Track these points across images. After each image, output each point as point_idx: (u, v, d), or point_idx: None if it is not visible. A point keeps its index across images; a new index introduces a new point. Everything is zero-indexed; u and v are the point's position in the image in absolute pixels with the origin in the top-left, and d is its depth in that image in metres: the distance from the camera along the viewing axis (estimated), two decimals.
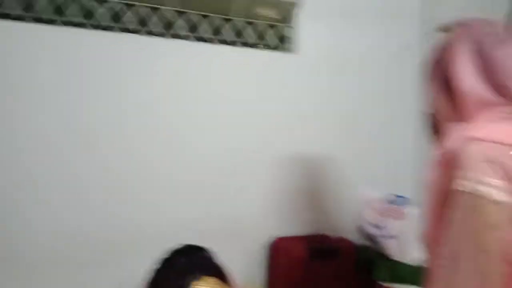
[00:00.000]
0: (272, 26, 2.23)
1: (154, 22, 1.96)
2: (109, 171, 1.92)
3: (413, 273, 2.17)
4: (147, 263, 1.89)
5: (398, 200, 2.16)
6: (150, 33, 1.95)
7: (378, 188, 2.27)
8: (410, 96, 2.51)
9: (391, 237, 2.13)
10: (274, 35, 2.24)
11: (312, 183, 2.35)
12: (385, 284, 2.14)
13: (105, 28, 1.87)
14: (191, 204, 2.03)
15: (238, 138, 2.18)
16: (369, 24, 2.45)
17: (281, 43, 2.27)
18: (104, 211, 1.91)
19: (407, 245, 2.09)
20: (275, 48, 2.25)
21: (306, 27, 2.29)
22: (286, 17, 2.26)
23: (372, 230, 2.20)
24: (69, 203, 1.86)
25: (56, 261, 1.84)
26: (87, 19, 1.84)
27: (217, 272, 1.00)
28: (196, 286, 0.93)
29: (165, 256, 1.06)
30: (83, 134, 1.88)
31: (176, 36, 2.00)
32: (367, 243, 2.33)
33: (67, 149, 1.85)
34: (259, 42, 2.20)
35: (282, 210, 2.28)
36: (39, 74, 1.79)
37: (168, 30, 1.99)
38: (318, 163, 2.36)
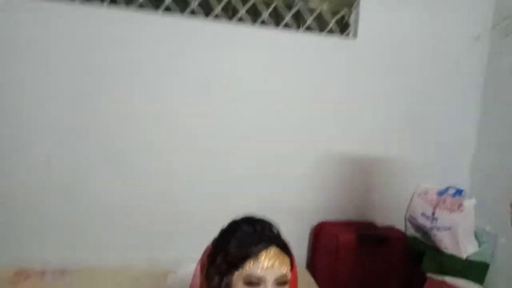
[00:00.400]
0: (334, 13, 2.21)
1: (218, 7, 2.02)
2: (166, 165, 2.03)
3: (465, 267, 2.14)
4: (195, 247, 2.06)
5: (455, 193, 2.11)
6: (215, 16, 2.02)
7: (434, 180, 2.23)
8: (475, 89, 2.41)
9: (444, 229, 2.10)
10: (336, 21, 2.21)
11: (365, 171, 2.35)
12: (434, 276, 2.13)
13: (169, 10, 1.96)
14: (244, 193, 2.09)
15: (294, 128, 2.19)
16: (438, 11, 2.31)
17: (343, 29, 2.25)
18: (154, 195, 2.03)
19: (460, 239, 2.05)
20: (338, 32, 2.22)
21: (370, 13, 2.22)
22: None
23: (424, 222, 2.17)
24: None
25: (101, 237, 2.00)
26: None
27: (283, 245, 0.94)
28: (262, 257, 0.87)
29: (228, 224, 0.99)
30: (133, 112, 1.98)
31: (239, 21, 2.05)
32: (417, 234, 2.31)
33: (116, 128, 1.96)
34: (321, 27, 2.19)
35: (330, 196, 2.30)
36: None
37: (231, 16, 2.05)
38: (373, 152, 2.34)
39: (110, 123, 1.94)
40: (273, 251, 0.89)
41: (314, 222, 2.26)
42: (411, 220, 2.29)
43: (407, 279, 2.15)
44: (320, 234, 2.18)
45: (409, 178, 2.30)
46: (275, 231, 0.94)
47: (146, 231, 2.03)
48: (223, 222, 1.00)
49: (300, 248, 2.25)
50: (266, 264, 0.87)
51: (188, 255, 1.98)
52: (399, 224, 2.29)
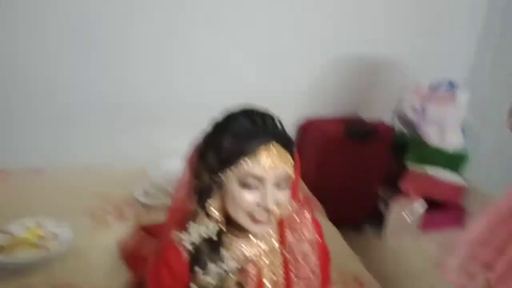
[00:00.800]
0: None
1: None
2: (152, 41, 1.87)
3: (447, 159, 2.18)
4: (183, 130, 1.96)
5: (448, 86, 2.03)
6: None
7: (427, 72, 2.13)
8: None
9: (432, 122, 2.07)
10: None
11: (352, 63, 2.20)
12: (416, 167, 2.17)
13: None
14: (230, 79, 1.98)
15: (287, 25, 2.03)
16: None
17: None
18: (140, 77, 1.89)
19: (448, 132, 2.04)
20: None
21: None
22: None
23: (413, 115, 2.13)
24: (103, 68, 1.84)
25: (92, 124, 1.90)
26: None
27: (287, 142, 0.78)
28: (262, 154, 0.73)
29: (222, 116, 0.81)
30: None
31: None
32: (404, 128, 2.29)
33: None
34: None
35: (317, 90, 2.19)
36: None
37: None
38: (361, 43, 2.17)
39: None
40: (274, 147, 0.74)
41: (301, 118, 2.17)
42: (399, 114, 2.24)
43: (391, 172, 2.18)
44: (308, 130, 2.11)
45: (401, 76, 2.20)
46: (278, 125, 0.79)
47: (126, 124, 1.93)
48: (210, 114, 0.95)
49: None
50: (266, 162, 0.73)
51: (172, 148, 1.92)
52: (388, 118, 2.24)
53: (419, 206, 2.12)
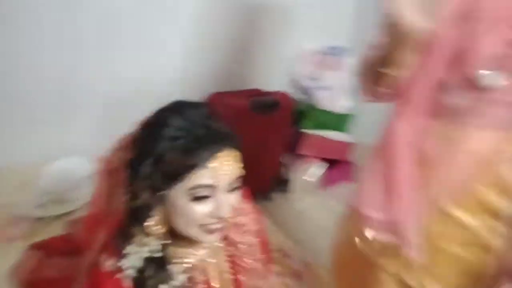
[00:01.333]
0: None
1: None
2: None
3: (338, 120, 2.36)
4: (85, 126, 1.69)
5: (336, 51, 2.15)
6: None
7: (316, 39, 2.20)
8: None
9: (325, 88, 2.20)
10: None
11: (245, 35, 2.16)
12: (310, 132, 2.30)
13: None
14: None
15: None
16: None
17: None
18: None
19: (338, 95, 2.19)
20: None
21: None
22: None
23: (308, 83, 2.22)
24: None
25: None
26: None
27: (235, 141, 0.71)
28: (213, 163, 0.65)
29: (154, 116, 0.70)
30: None
31: None
32: (301, 95, 2.38)
33: None
34: None
35: (216, 65, 2.10)
36: None
37: None
38: (252, 13, 2.13)
39: None
40: (225, 151, 0.67)
41: (205, 94, 2.06)
42: (295, 83, 2.32)
43: (292, 139, 2.26)
44: (212, 105, 2.02)
45: (293, 40, 2.23)
46: (222, 124, 0.71)
47: None
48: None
49: None
50: (219, 170, 0.66)
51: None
52: (286, 88, 2.29)
53: (318, 167, 2.26)
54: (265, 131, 2.02)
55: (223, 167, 0.66)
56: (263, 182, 2.14)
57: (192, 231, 0.69)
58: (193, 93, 1.92)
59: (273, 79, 2.26)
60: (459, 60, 0.74)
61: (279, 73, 2.28)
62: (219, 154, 0.66)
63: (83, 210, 1.40)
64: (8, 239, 1.23)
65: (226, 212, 0.68)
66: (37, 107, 1.62)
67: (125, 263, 0.68)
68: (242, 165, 0.72)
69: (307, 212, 2.21)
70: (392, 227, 0.84)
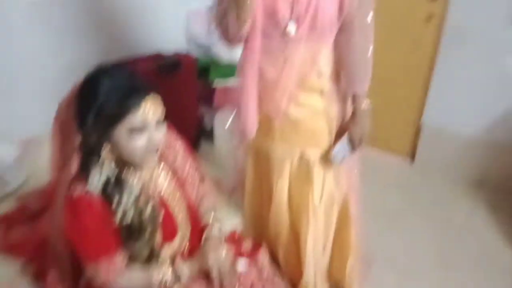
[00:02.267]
0: None
1: None
2: None
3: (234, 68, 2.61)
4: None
5: None
6: None
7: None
8: None
9: (219, 41, 2.42)
10: None
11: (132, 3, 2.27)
12: (220, 83, 2.53)
13: None
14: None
15: None
16: None
17: None
18: None
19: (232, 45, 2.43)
20: None
21: None
22: None
23: (203, 39, 2.43)
24: None
25: None
26: None
27: (152, 88, 0.91)
28: (142, 107, 0.86)
29: (88, 79, 0.88)
30: None
31: None
32: (200, 52, 2.58)
33: None
34: None
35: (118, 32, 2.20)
36: None
37: None
38: None
39: None
40: (150, 97, 0.89)
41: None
42: (192, 41, 2.51)
43: (204, 92, 2.49)
44: None
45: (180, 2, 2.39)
46: (141, 78, 0.92)
47: None
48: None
49: None
50: (147, 111, 0.87)
51: None
52: (180, 48, 2.47)
53: (231, 112, 2.53)
54: (176, 90, 2.20)
55: (150, 109, 0.88)
56: (187, 136, 2.34)
57: (136, 159, 0.91)
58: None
59: (169, 41, 2.43)
60: (271, 16, 1.10)
61: (174, 35, 2.45)
62: (145, 99, 0.88)
63: (22, 189, 1.51)
64: None
65: (157, 143, 0.91)
66: None
67: (91, 184, 0.87)
68: (162, 105, 0.94)
69: (232, 153, 2.49)
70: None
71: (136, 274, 0.94)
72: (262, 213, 1.41)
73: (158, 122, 0.91)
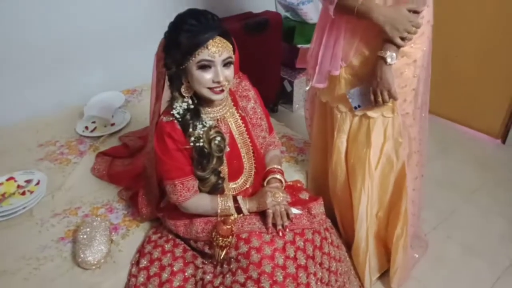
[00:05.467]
0: None
1: None
2: None
3: None
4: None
5: None
6: None
7: None
8: None
9: (308, 2, 2.43)
10: None
11: None
12: (304, 46, 2.56)
13: None
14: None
15: None
16: None
17: None
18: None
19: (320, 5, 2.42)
20: None
21: None
22: None
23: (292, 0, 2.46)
24: None
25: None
26: None
27: (225, 33, 1.02)
28: (210, 44, 0.98)
29: (175, 19, 1.03)
30: None
31: None
32: (287, 13, 2.62)
33: None
34: None
35: None
36: None
37: None
38: None
39: None
40: (218, 38, 1.00)
41: None
42: (281, 1, 2.55)
43: (287, 54, 2.55)
44: None
45: None
46: (217, 21, 1.03)
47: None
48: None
49: None
50: (213, 50, 0.98)
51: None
52: (271, 7, 2.53)
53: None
54: (260, 50, 2.29)
55: (217, 48, 0.99)
56: (267, 97, 2.45)
57: (204, 91, 1.03)
58: None
59: (260, 1, 2.50)
60: None
61: None
62: (215, 39, 0.99)
63: (124, 130, 1.78)
64: (81, 153, 1.64)
65: (221, 78, 1.01)
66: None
67: (174, 113, 1.05)
68: (232, 51, 1.04)
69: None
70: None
71: (204, 200, 1.11)
72: (324, 168, 1.48)
73: (225, 62, 1.02)
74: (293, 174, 1.53)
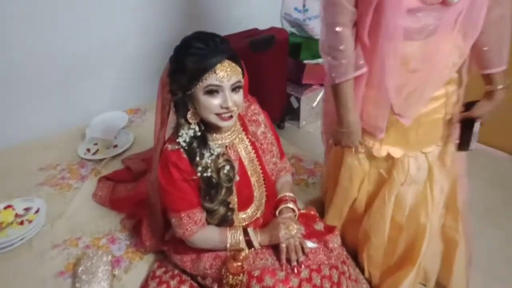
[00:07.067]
0: None
1: None
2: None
3: None
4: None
5: None
6: None
7: None
8: None
9: (315, 17, 2.39)
10: None
11: None
12: (311, 62, 2.52)
13: None
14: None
15: None
16: None
17: None
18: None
19: None
20: None
21: None
22: None
23: (297, 15, 2.42)
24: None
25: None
26: None
27: (234, 56, 0.96)
28: (218, 69, 0.92)
29: (180, 42, 0.97)
30: None
31: None
32: (293, 29, 2.58)
33: None
34: None
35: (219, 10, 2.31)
36: None
37: None
38: None
39: None
40: (226, 62, 0.94)
41: None
42: (287, 17, 2.52)
43: (293, 70, 2.50)
44: None
45: None
46: (226, 44, 0.97)
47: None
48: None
49: None
50: (221, 74, 0.92)
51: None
52: (277, 24, 2.49)
53: (321, 93, 2.51)
54: (266, 66, 2.24)
55: (226, 72, 0.93)
56: (274, 113, 2.40)
57: (211, 118, 0.96)
58: None
59: (266, 17, 2.46)
60: None
61: (270, 11, 2.47)
62: (222, 63, 0.93)
63: (127, 152, 1.72)
64: (83, 177, 1.58)
65: (230, 104, 0.94)
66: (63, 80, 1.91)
67: (179, 141, 0.98)
68: (241, 75, 0.98)
69: (315, 133, 2.49)
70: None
71: (212, 233, 1.03)
72: (355, 212, 1.35)
73: (234, 86, 0.96)
74: (304, 198, 1.46)
